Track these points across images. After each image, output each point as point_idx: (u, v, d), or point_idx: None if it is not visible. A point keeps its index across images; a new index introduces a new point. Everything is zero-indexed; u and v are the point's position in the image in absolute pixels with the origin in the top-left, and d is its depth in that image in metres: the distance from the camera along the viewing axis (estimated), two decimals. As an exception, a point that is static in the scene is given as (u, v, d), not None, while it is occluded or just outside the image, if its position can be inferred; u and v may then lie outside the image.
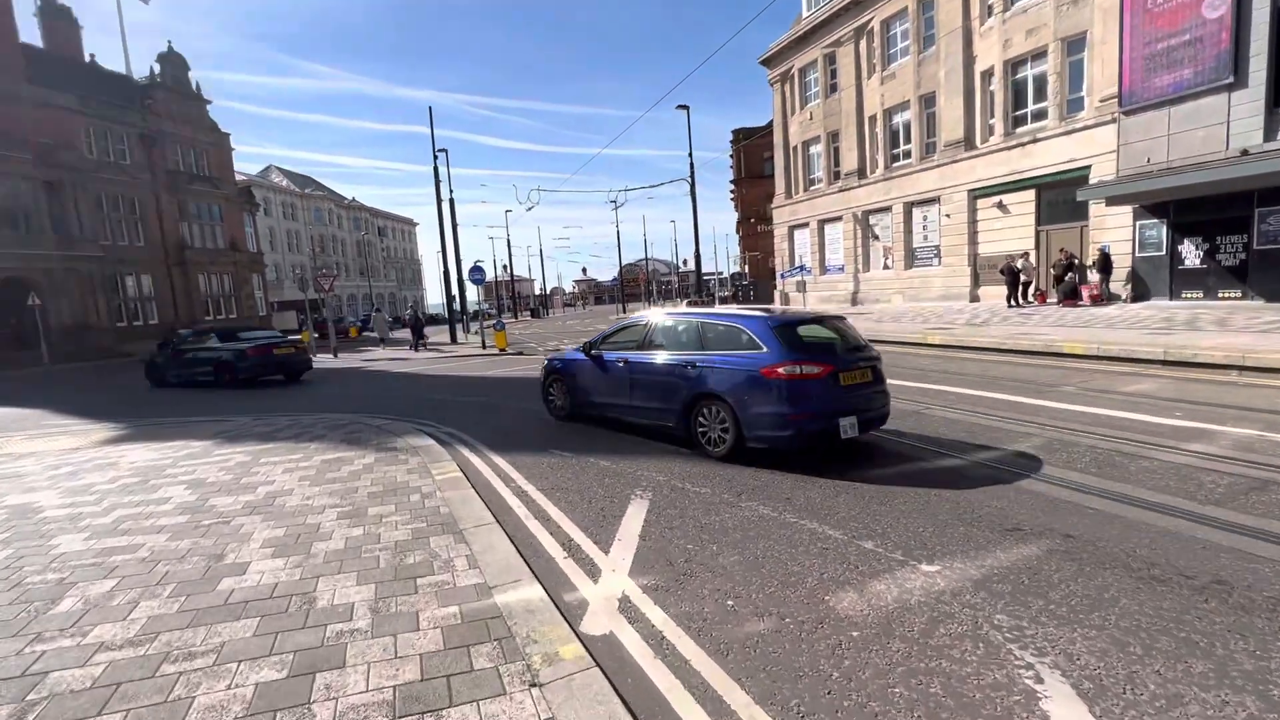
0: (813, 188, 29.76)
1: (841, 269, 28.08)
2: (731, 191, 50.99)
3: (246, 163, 75.60)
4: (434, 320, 64.66)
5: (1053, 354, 10.74)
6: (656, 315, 7.28)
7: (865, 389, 5.78)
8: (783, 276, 25.22)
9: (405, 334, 35.11)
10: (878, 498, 4.61)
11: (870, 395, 5.83)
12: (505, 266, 69.82)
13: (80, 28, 36.24)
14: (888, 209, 25.33)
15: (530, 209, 29.65)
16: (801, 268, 24.16)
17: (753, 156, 43.02)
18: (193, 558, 3.90)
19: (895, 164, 24.97)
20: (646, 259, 67.44)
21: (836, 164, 27.99)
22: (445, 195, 27.23)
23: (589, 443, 6.79)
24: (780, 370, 5.45)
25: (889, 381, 6.25)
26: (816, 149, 29.26)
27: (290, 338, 16.27)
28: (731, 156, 48.11)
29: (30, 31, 33.05)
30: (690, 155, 29.58)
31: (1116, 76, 15.69)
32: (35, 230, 27.83)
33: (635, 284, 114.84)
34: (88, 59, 36.19)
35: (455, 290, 28.54)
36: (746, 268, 41.51)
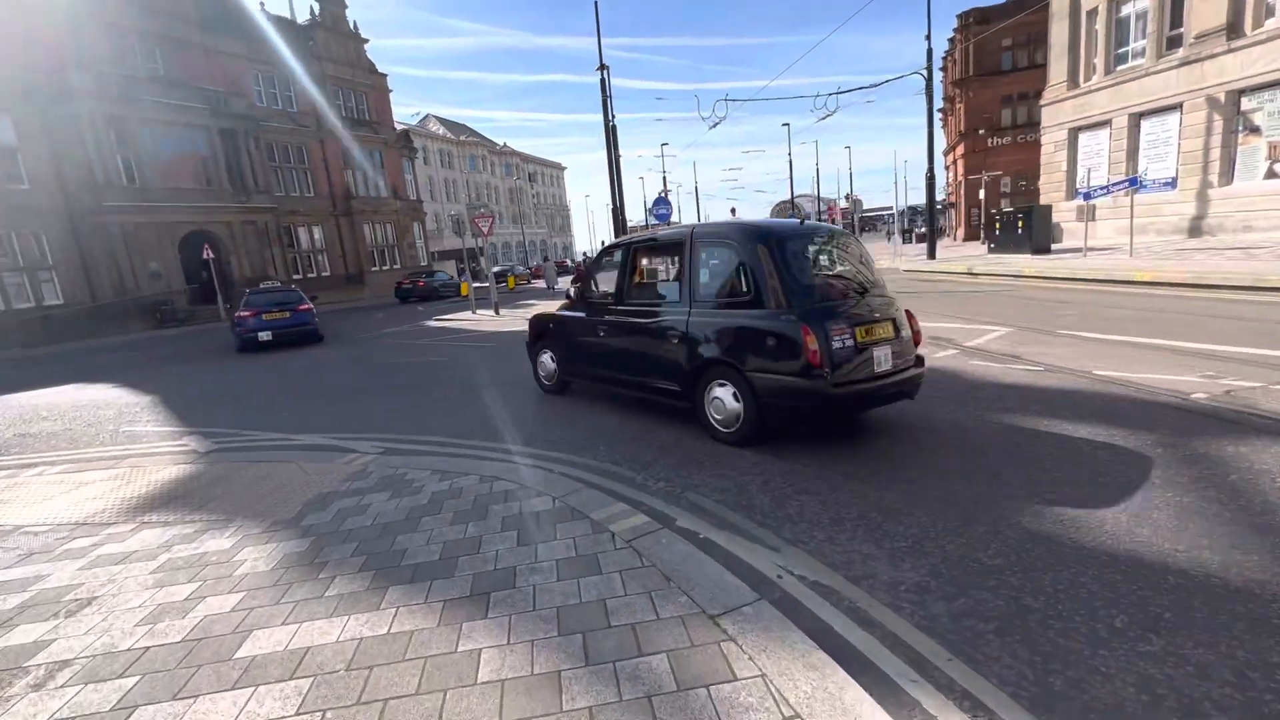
0: (1122, 66, 20.70)
1: (1171, 183, 19.27)
2: (945, 104, 40.96)
3: (407, 122, 76.90)
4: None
5: None
6: None
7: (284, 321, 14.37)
8: (1086, 196, 17.47)
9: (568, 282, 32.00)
10: None
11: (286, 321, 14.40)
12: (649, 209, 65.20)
13: (249, -27, 35.63)
14: (1287, 81, 16.20)
15: (715, 125, 23.98)
16: (1133, 180, 16.15)
17: (986, 49, 33.09)
18: None
19: (1314, 4, 15.64)
20: (818, 196, 58.82)
21: (1176, 24, 18.81)
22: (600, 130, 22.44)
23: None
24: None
25: None
26: (1136, 6, 20.05)
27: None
28: (949, 55, 38.03)
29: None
30: (929, 37, 21.80)
31: None
32: (215, 182, 27.48)
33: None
34: (258, 5, 35.67)
35: (609, 232, 24.00)
36: (982, 193, 32.45)
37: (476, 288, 26.03)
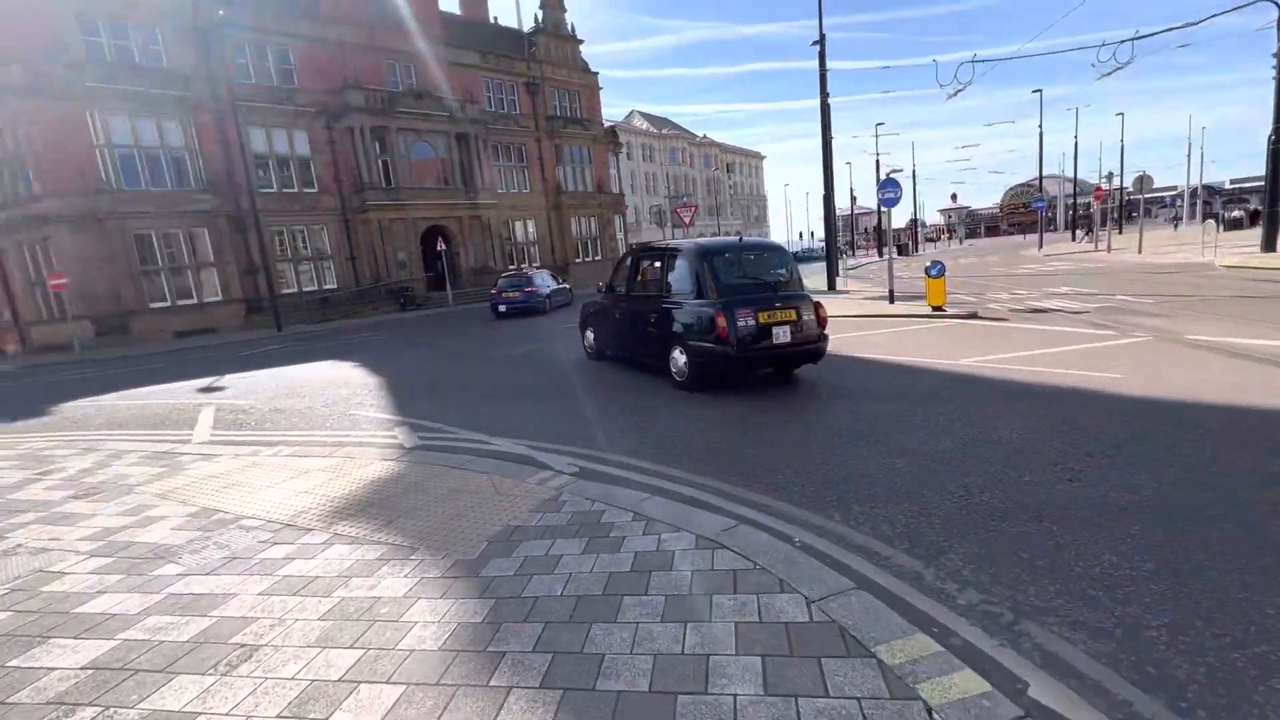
0: None
1: None
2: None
3: (614, 119, 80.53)
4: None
5: None
6: None
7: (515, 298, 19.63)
8: None
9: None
10: None
11: None
12: (854, 196, 60.22)
13: (487, -7, 39.32)
14: None
15: (956, 93, 20.39)
16: None
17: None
18: None
19: None
20: (1074, 176, 48.94)
21: None
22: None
23: None
24: None
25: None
26: None
27: None
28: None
29: (450, 3, 36.80)
30: (1286, -51, 15.96)
31: None
32: (450, 182, 30.73)
33: (1025, 210, 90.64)
34: (492, 20, 39.27)
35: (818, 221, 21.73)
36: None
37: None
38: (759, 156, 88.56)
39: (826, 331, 7.14)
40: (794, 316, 6.81)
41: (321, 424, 6.96)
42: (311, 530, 3.93)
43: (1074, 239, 46.73)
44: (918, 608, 2.62)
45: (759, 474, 4.40)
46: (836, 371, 7.69)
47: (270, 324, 22.48)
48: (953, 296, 14.78)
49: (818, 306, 7.03)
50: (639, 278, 8.40)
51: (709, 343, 6.70)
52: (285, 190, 26.31)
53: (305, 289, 26.85)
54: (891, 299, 14.79)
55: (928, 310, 12.44)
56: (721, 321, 6.50)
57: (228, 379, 10.94)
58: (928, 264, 12.46)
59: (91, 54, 21.47)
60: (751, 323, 6.59)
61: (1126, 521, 3.27)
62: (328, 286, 27.49)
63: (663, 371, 7.57)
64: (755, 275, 7.23)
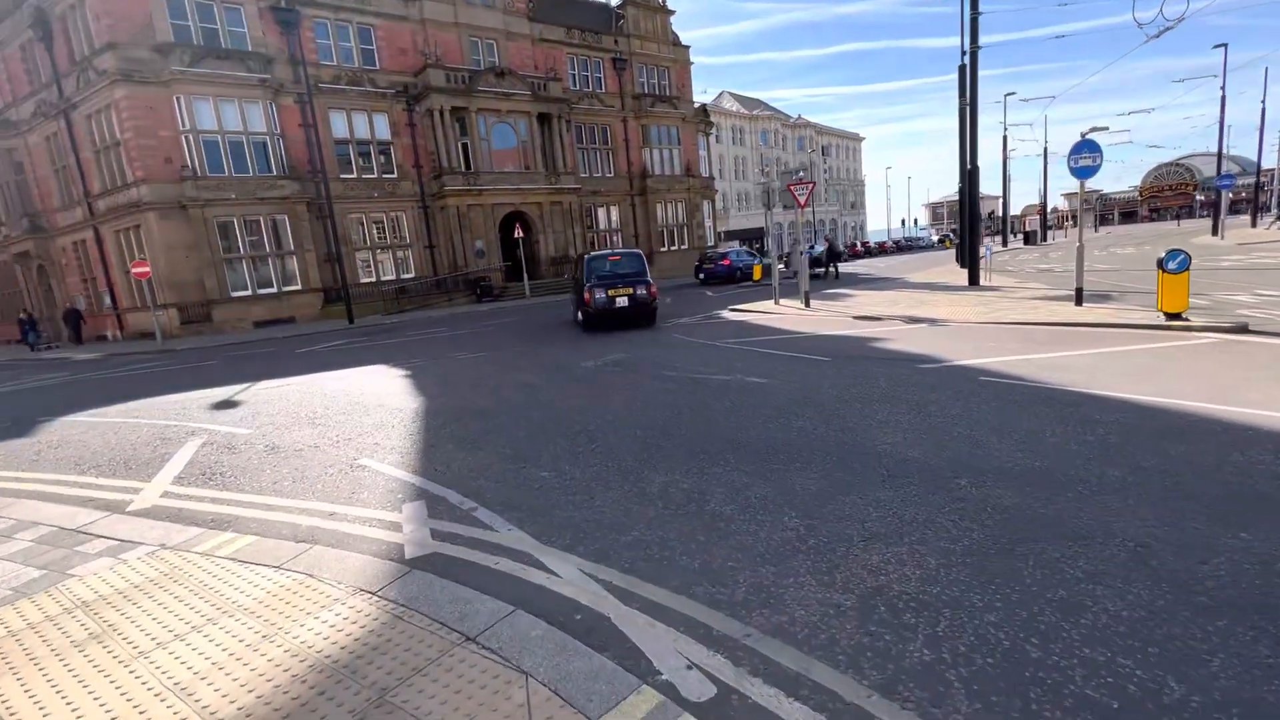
0: None
1: None
2: None
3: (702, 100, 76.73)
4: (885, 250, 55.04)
5: None
6: None
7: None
8: None
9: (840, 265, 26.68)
10: None
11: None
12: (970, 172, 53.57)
13: (573, -36, 37.21)
14: None
15: (1159, 34, 15.78)
16: None
17: None
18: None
19: None
20: (1260, 152, 40.86)
21: None
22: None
23: None
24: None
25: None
26: None
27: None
28: None
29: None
30: None
31: None
32: (531, 166, 28.96)
33: (1182, 189, 79.27)
34: (579, -7, 37.10)
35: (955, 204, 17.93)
36: None
37: (783, 269, 22.47)
38: (857, 138, 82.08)
39: (656, 301, 13.15)
40: (631, 291, 12.62)
41: (313, 483, 4.82)
42: None
43: (1254, 224, 38.96)
44: None
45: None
46: (1069, 424, 4.66)
47: (345, 314, 21.53)
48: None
49: (650, 286, 12.86)
50: (578, 273, 14.13)
51: (585, 306, 12.65)
52: (365, 176, 25.44)
53: (384, 278, 25.95)
54: (1079, 299, 11.23)
55: (1157, 318, 8.92)
56: (588, 295, 12.53)
57: (256, 389, 9.28)
58: (1162, 254, 8.89)
59: (178, 37, 21.10)
60: (603, 295, 12.52)
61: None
62: (406, 275, 26.50)
63: (572, 320, 14.69)
64: (615, 270, 13.31)
